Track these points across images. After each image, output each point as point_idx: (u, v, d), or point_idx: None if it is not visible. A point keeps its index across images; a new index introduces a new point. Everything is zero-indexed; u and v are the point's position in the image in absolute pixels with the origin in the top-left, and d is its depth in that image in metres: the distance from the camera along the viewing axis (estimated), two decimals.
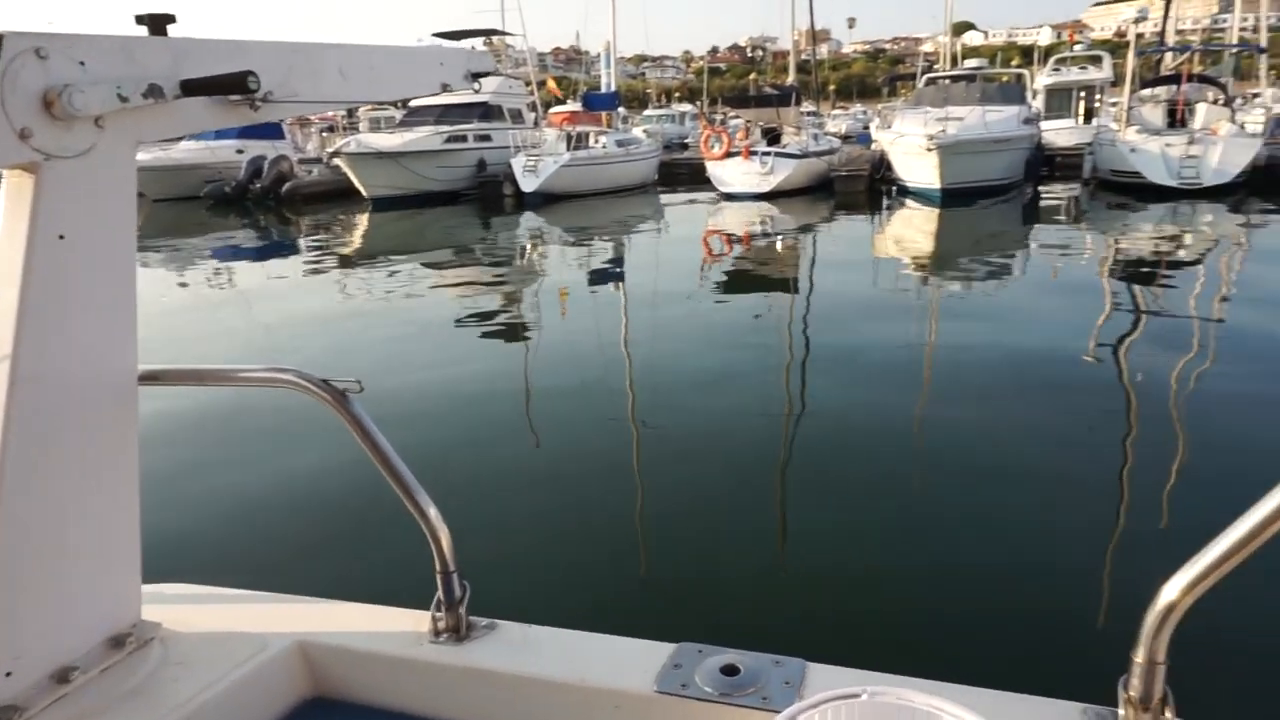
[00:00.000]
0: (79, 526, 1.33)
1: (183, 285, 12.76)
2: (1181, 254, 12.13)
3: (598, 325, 9.20)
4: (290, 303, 11.02)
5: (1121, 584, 3.39)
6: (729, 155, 22.57)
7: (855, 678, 1.24)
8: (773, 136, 23.89)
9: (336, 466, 4.79)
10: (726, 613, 3.43)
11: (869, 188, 22.03)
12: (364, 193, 23.17)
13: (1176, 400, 5.73)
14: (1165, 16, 24.88)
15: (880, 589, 3.59)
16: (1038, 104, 25.58)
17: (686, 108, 49.28)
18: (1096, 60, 29.19)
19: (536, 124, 28.01)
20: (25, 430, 1.21)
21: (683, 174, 27.47)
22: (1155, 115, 20.77)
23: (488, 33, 28.36)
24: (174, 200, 25.60)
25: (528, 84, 29.84)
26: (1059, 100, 27.58)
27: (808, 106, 28.38)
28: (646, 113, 47.84)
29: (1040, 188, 21.31)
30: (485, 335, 8.77)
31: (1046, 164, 23.16)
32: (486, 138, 25.28)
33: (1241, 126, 19.49)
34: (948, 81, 23.87)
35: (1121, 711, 1.10)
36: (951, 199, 18.31)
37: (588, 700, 1.33)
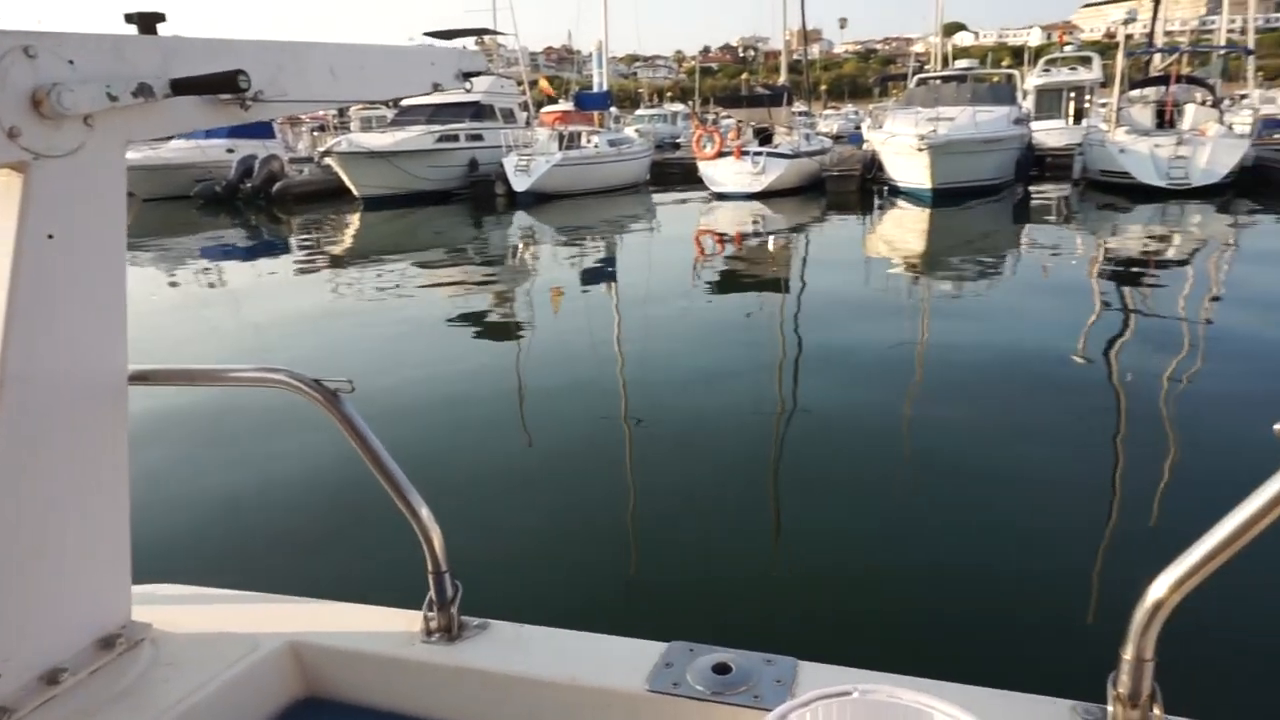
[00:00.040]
0: (69, 527, 1.33)
1: (173, 285, 12.70)
2: (1170, 254, 12.20)
3: (590, 324, 9.20)
4: (281, 302, 10.98)
5: (1111, 582, 3.41)
6: (721, 155, 22.60)
7: (846, 676, 1.24)
8: (764, 136, 23.94)
9: (328, 467, 4.78)
10: (718, 612, 3.44)
11: (860, 188, 22.08)
12: (355, 192, 23.10)
13: (1164, 400, 5.77)
14: (1154, 18, 25.01)
15: (872, 588, 3.60)
16: (1028, 104, 25.71)
17: (679, 107, 49.37)
18: (1086, 61, 29.34)
19: (528, 123, 27.97)
20: (14, 431, 1.20)
21: (675, 174, 27.48)
22: (1144, 116, 20.90)
23: (479, 32, 28.30)
24: (164, 200, 25.47)
25: (519, 83, 29.81)
26: (1049, 101, 27.72)
27: (799, 106, 28.46)
28: (639, 112, 47.85)
29: (1030, 188, 21.40)
30: (477, 335, 8.76)
31: (1037, 164, 23.27)
32: (478, 137, 25.23)
33: (1229, 127, 19.61)
34: (939, 82, 23.95)
35: (1110, 708, 1.10)
36: (942, 199, 18.37)
37: (580, 699, 1.33)
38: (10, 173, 1.16)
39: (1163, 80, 22.11)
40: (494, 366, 7.51)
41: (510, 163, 22.94)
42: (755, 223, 17.60)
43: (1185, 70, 23.30)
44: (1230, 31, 31.38)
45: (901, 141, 19.01)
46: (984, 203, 18.67)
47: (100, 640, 1.40)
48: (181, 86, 1.25)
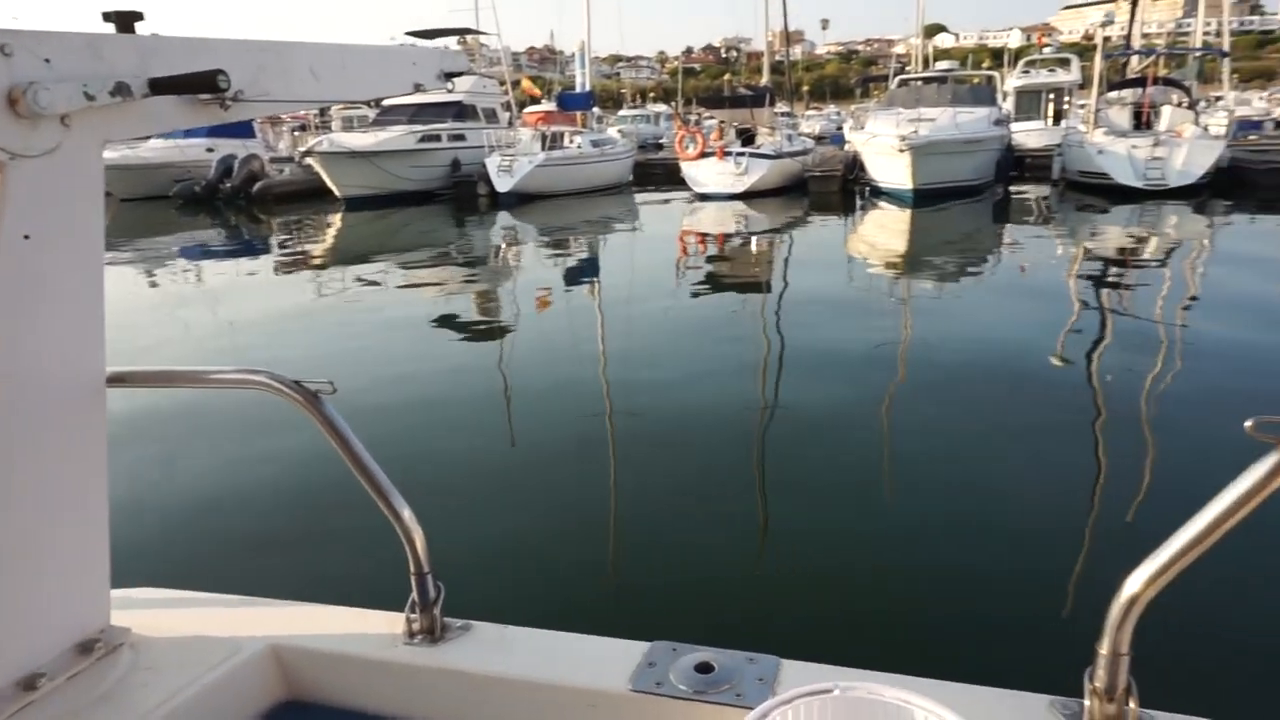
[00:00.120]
0: (46, 530, 1.31)
1: (152, 285, 12.57)
2: (1147, 255, 12.34)
3: (572, 325, 9.19)
4: (261, 303, 10.90)
5: (1088, 579, 3.45)
6: (704, 155, 22.65)
7: (828, 674, 1.25)
8: (747, 137, 24.00)
9: (309, 468, 4.75)
10: (701, 611, 3.45)
11: (842, 188, 22.18)
12: (337, 192, 22.95)
13: (1140, 398, 5.83)
14: (1131, 20, 25.31)
15: (854, 587, 3.62)
16: (1008, 106, 25.91)
17: (661, 108, 49.38)
18: (1065, 63, 29.62)
19: (511, 124, 27.91)
20: None
21: (658, 174, 27.51)
22: (1122, 117, 21.12)
23: (462, 32, 28.20)
24: (142, 199, 25.20)
25: (502, 83, 29.72)
26: (1028, 102, 27.97)
27: (782, 107, 28.53)
28: (621, 113, 47.83)
29: (1010, 188, 21.58)
30: (459, 335, 8.73)
31: (1016, 165, 23.48)
32: (461, 137, 25.14)
33: (1205, 129, 19.88)
34: (920, 83, 24.11)
35: (1087, 702, 1.12)
36: (923, 199, 18.50)
37: (563, 700, 1.33)
38: None
39: (1140, 82, 22.38)
40: (476, 367, 7.49)
41: (493, 163, 22.88)
42: (738, 223, 17.65)
43: (1162, 72, 23.61)
44: (1206, 34, 31.76)
45: (883, 142, 19.12)
46: (965, 203, 18.81)
47: (78, 645, 1.39)
48: (160, 86, 1.24)
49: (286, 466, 4.93)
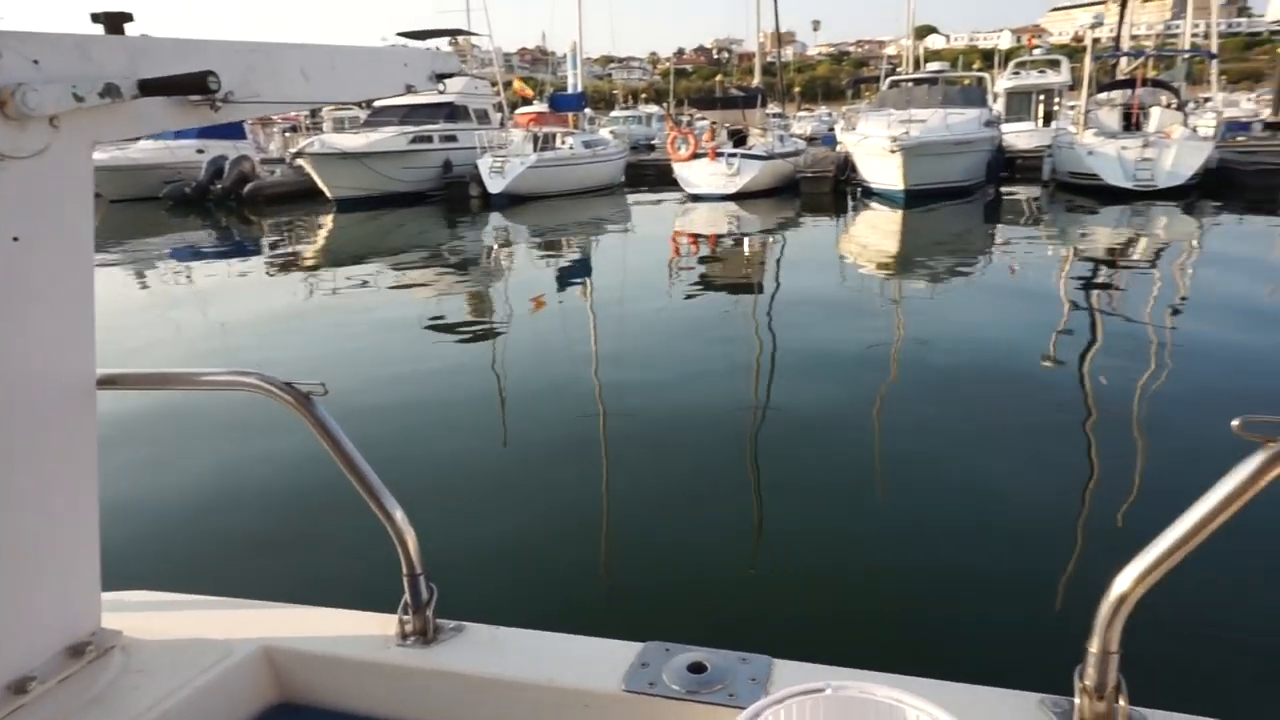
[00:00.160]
0: (36, 533, 1.31)
1: (142, 287, 12.52)
2: (1137, 255, 12.40)
3: (565, 325, 9.18)
4: (252, 305, 10.86)
5: (1078, 578, 3.47)
6: (695, 156, 22.68)
7: (820, 673, 1.26)
8: (739, 138, 24.02)
9: (300, 469, 4.74)
10: (694, 612, 3.45)
11: (834, 189, 22.23)
12: (328, 194, 22.89)
13: (1131, 398, 5.86)
14: (1120, 22, 25.41)
15: (846, 587, 3.63)
16: (998, 107, 26.03)
17: (653, 109, 49.35)
18: (1055, 64, 29.76)
19: (503, 125, 27.88)
20: None
21: (650, 175, 27.51)
22: (1111, 118, 21.22)
23: (453, 32, 28.17)
24: (132, 201, 25.08)
25: (494, 84, 29.70)
26: (1019, 103, 28.09)
27: (773, 108, 28.54)
28: (613, 114, 47.83)
29: (1001, 189, 21.66)
30: (451, 336, 8.72)
31: (1007, 166, 23.56)
32: (452, 138, 25.10)
33: (1194, 130, 19.98)
34: (911, 84, 24.19)
35: (1077, 700, 1.13)
36: (915, 200, 18.55)
37: (556, 700, 1.33)
38: None
39: (1129, 84, 22.49)
40: (468, 367, 7.48)
41: (485, 164, 22.85)
42: (730, 224, 17.67)
43: (1151, 74, 23.73)
44: (1194, 36, 31.91)
45: (874, 143, 19.17)
46: (956, 204, 18.87)
47: (69, 648, 1.38)
48: (150, 87, 1.24)
49: (278, 468, 4.92)
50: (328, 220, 20.87)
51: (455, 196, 23.56)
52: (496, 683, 1.36)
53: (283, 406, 1.37)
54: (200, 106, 1.33)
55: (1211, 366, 6.57)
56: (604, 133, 30.79)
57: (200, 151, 26.56)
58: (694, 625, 3.31)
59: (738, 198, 21.40)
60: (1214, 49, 28.89)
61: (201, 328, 9.60)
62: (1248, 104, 40.13)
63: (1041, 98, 27.95)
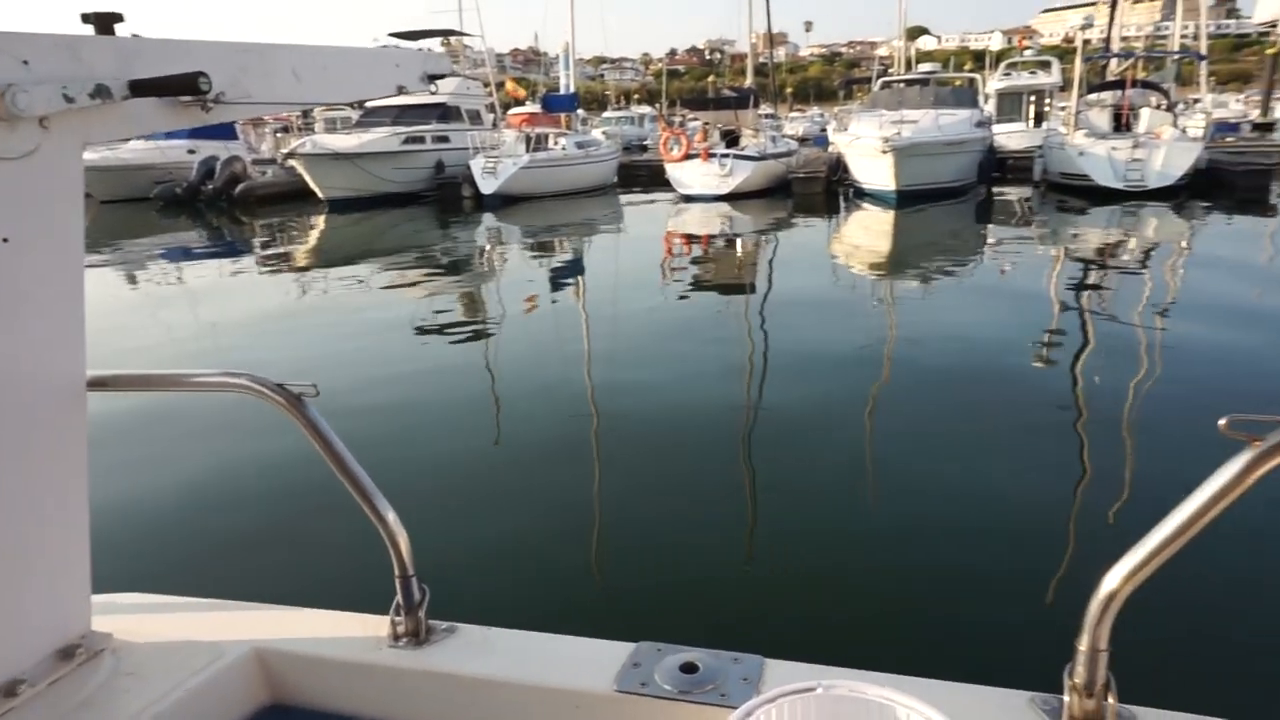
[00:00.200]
0: (26, 535, 1.30)
1: (133, 288, 12.47)
2: (1128, 256, 12.46)
3: (558, 327, 9.18)
4: (243, 306, 10.83)
5: (1070, 577, 3.48)
6: (688, 157, 22.70)
7: (811, 673, 1.26)
8: (731, 139, 24.06)
9: (292, 471, 4.73)
10: (686, 612, 3.46)
11: (826, 189, 22.27)
12: (320, 194, 22.83)
13: (1121, 398, 5.89)
14: (1110, 24, 25.56)
15: (838, 587, 3.64)
16: (989, 108, 26.08)
17: (645, 110, 49.39)
18: (1046, 65, 29.87)
19: (495, 125, 27.86)
20: None
21: (642, 176, 27.53)
22: (1102, 119, 21.31)
23: (445, 33, 28.15)
24: (123, 201, 24.97)
25: (486, 85, 29.67)
26: (1010, 104, 28.17)
27: (765, 109, 28.62)
28: (605, 114, 47.84)
29: (993, 190, 21.73)
30: (443, 337, 8.70)
31: (998, 167, 23.62)
32: (445, 139, 25.07)
33: (1183, 131, 20.09)
34: (902, 85, 24.24)
35: (1066, 698, 1.13)
36: (906, 200, 18.60)
37: (548, 701, 1.33)
38: None
39: (1119, 84, 22.59)
40: (461, 368, 7.47)
41: (477, 165, 22.82)
42: (723, 224, 17.69)
43: (1140, 75, 23.86)
44: (1183, 37, 32.15)
45: (866, 144, 19.22)
46: (947, 204, 18.93)
47: (59, 651, 1.37)
48: (140, 88, 1.23)
49: (270, 469, 4.90)
50: (319, 221, 20.81)
51: (448, 197, 23.53)
52: (488, 684, 1.36)
53: (274, 408, 1.37)
54: (191, 107, 1.33)
55: (1200, 366, 6.61)
56: (596, 133, 30.80)
57: (191, 152, 26.47)
58: (686, 625, 3.31)
59: (730, 198, 21.43)
60: (1203, 50, 29.12)
61: (192, 328, 9.56)
62: (1236, 105, 40.33)
63: (1032, 98, 28.05)
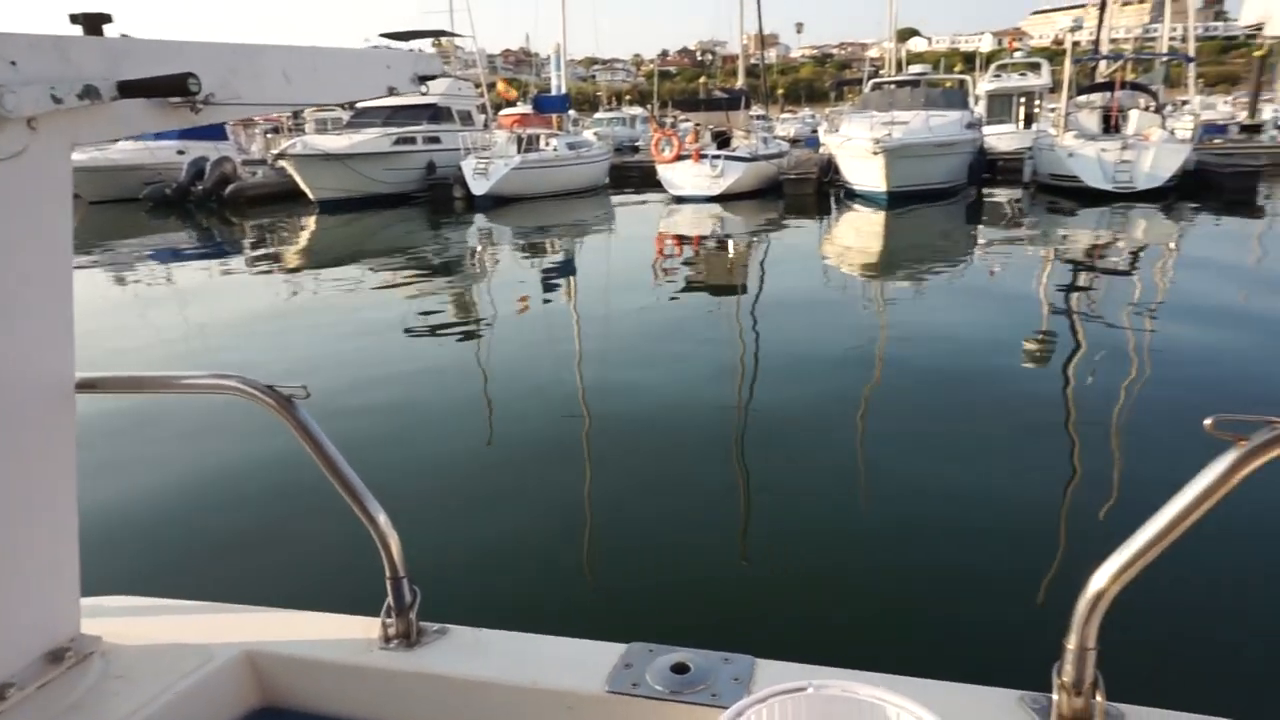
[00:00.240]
0: (14, 538, 1.30)
1: (122, 289, 12.40)
2: (1117, 257, 12.53)
3: (549, 327, 9.18)
4: (233, 307, 10.78)
5: (1060, 576, 3.50)
6: (679, 158, 22.73)
7: (802, 672, 1.26)
8: (722, 140, 24.08)
9: (283, 472, 4.71)
10: (678, 613, 3.46)
11: (817, 190, 22.33)
12: (310, 195, 22.77)
13: (1110, 399, 5.92)
14: (1100, 26, 25.69)
15: (829, 587, 3.65)
16: (980, 109, 26.21)
17: (637, 111, 49.40)
18: (1035, 67, 30.01)
19: (486, 126, 27.83)
20: None
21: (633, 177, 27.54)
22: (1091, 121, 21.43)
23: (436, 34, 28.11)
24: (112, 202, 24.86)
25: (477, 86, 29.64)
26: (1000, 106, 28.30)
27: (757, 110, 28.66)
28: (597, 115, 47.87)
29: (983, 191, 21.82)
30: (435, 338, 8.69)
31: (989, 168, 23.73)
32: (436, 140, 25.03)
33: (1172, 132, 20.23)
34: (893, 87, 24.32)
35: (1055, 696, 1.14)
36: (897, 201, 18.66)
37: (540, 702, 1.33)
38: None
39: (1108, 86, 22.73)
40: (451, 369, 7.46)
41: (468, 166, 22.79)
42: (714, 225, 17.71)
43: (1129, 77, 23.98)
44: (1172, 39, 32.31)
45: (857, 145, 19.27)
46: (938, 205, 19.00)
47: (48, 654, 1.37)
48: (129, 89, 1.23)
49: (260, 471, 4.88)
50: (310, 222, 20.75)
51: (439, 198, 23.49)
52: (480, 685, 1.36)
53: (264, 410, 1.36)
54: (180, 108, 1.33)
55: (1188, 367, 6.65)
56: (588, 134, 30.82)
57: (181, 153, 26.37)
58: (679, 626, 3.31)
59: (722, 199, 21.46)
60: (1191, 52, 29.27)
61: (182, 330, 9.52)
62: (1224, 107, 40.60)
63: (1022, 100, 28.18)
